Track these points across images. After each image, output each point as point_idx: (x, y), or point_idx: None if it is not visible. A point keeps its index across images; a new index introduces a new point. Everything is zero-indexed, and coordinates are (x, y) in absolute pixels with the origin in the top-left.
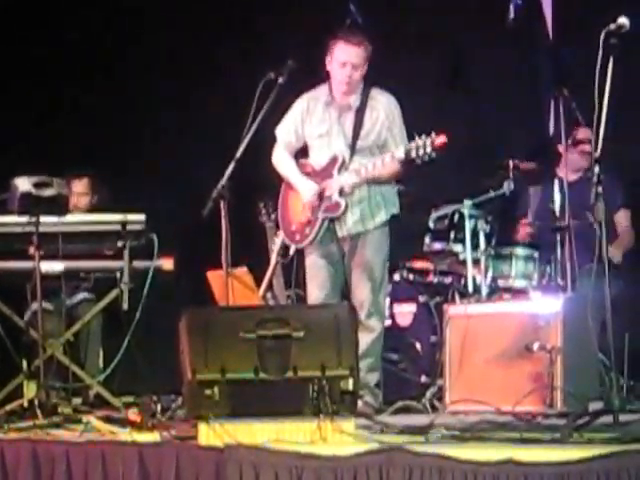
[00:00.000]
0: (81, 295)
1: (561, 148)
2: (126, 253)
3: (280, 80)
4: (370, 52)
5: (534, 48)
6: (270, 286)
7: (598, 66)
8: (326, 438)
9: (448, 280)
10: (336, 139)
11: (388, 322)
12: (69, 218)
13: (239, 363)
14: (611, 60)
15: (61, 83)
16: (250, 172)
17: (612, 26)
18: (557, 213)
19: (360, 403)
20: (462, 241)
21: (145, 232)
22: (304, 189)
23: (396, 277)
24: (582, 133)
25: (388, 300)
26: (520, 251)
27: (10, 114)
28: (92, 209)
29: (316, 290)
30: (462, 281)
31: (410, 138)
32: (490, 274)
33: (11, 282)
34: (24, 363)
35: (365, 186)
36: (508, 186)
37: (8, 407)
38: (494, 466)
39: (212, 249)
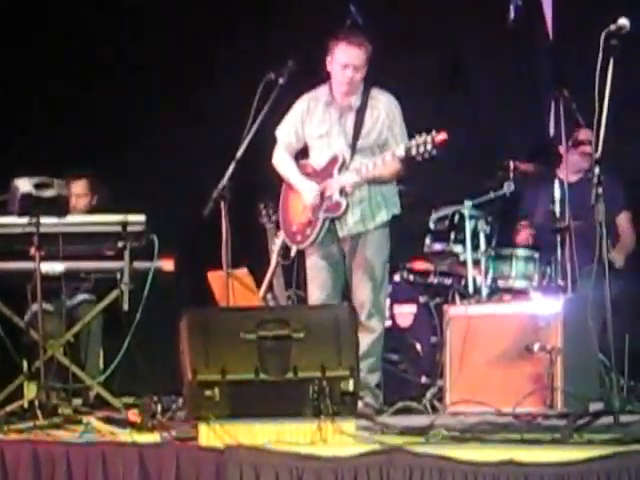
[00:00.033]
0: (81, 296)
1: (562, 149)
2: (126, 254)
3: (280, 80)
4: (370, 53)
5: (534, 48)
6: (270, 287)
7: (598, 67)
8: (326, 439)
9: (448, 281)
10: (336, 139)
11: (388, 323)
12: (69, 219)
13: (239, 364)
14: (611, 61)
15: (61, 83)
16: (250, 173)
17: (612, 27)
18: (557, 214)
19: (360, 404)
20: (462, 242)
21: (145, 233)
22: (305, 190)
23: (396, 278)
24: (583, 134)
25: (388, 301)
26: (520, 252)
27: (10, 114)
28: (92, 210)
29: (317, 291)
30: (462, 282)
31: (410, 137)
32: (490, 275)
33: (11, 283)
34: (24, 364)
35: (366, 186)
36: (508, 187)
37: (8, 408)
38: (494, 467)
39: (212, 250)
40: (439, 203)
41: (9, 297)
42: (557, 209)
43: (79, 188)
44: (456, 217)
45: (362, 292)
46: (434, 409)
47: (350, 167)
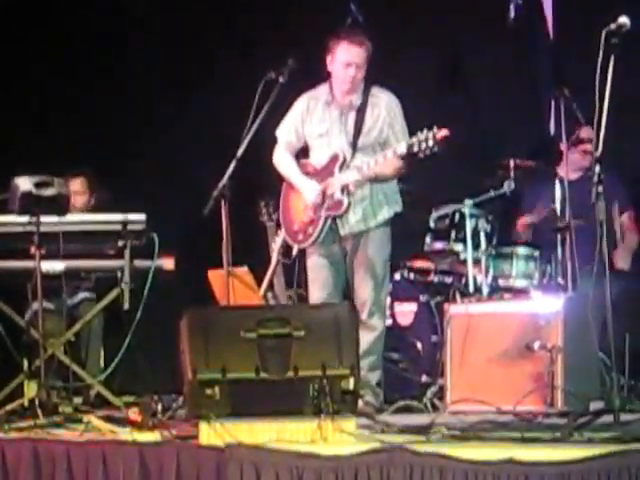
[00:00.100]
0: (82, 295)
1: (562, 147)
2: (127, 253)
3: (281, 80)
4: (371, 51)
5: (534, 47)
6: (271, 285)
7: (599, 66)
8: (327, 438)
9: (449, 279)
10: (337, 138)
11: (389, 321)
12: (70, 218)
13: (240, 363)
14: (612, 60)
15: (61, 83)
16: (251, 171)
17: (613, 26)
18: (558, 212)
19: (361, 402)
20: (463, 240)
21: (146, 232)
22: (307, 189)
23: (397, 276)
24: (584, 132)
25: (389, 299)
26: (521, 250)
27: (10, 114)
28: (91, 209)
29: (318, 290)
30: (463, 280)
31: (411, 135)
32: (491, 273)
33: (12, 282)
34: (25, 363)
35: (367, 184)
36: (509, 186)
37: (9, 407)
38: (495, 465)
39: (213, 249)
40: (439, 202)
41: (9, 296)
42: (557, 207)
43: (77, 185)
44: (456, 216)
45: (363, 290)
46: (434, 408)
47: (351, 165)
